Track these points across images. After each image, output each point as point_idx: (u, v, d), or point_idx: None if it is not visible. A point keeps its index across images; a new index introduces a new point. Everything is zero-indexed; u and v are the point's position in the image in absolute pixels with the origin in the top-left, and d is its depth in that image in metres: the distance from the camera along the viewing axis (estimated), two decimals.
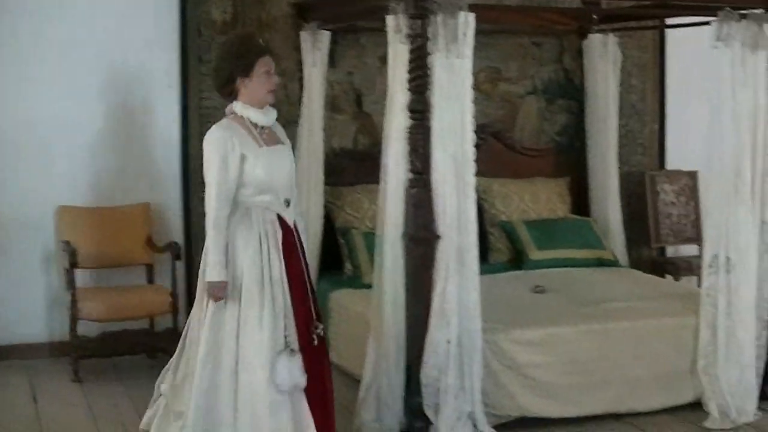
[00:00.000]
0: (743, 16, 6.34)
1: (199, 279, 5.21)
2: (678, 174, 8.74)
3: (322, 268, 7.64)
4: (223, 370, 5.03)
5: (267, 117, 5.18)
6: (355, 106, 8.23)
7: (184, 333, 5.36)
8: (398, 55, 5.87)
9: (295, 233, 5.20)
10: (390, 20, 5.86)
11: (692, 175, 8.55)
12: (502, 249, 7.96)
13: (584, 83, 8.46)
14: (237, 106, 5.15)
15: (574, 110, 8.65)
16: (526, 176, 8.30)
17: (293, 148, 5.47)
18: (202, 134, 5.23)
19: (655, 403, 6.34)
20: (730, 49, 6.31)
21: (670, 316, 6.58)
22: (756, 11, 6.35)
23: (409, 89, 5.78)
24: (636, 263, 8.37)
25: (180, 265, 7.52)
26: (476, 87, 5.70)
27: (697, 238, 8.45)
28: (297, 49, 7.66)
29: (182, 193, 7.86)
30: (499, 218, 8.00)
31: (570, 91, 8.67)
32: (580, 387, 6.21)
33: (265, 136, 5.16)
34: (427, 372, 5.74)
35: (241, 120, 5.14)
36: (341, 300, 7.27)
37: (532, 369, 6.13)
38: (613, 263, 8.00)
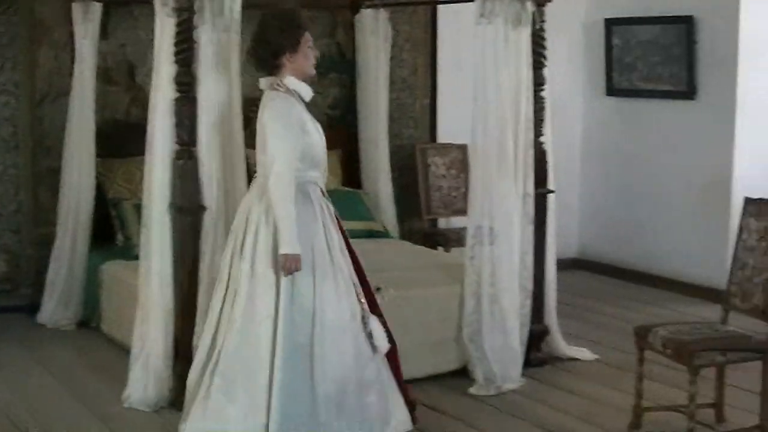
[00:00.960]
0: None
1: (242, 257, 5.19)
2: (448, 147, 8.91)
3: (94, 240, 7.60)
4: (302, 345, 5.09)
5: (310, 91, 5.31)
6: (128, 78, 8.15)
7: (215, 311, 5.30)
8: (165, 28, 5.85)
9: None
10: None
11: (462, 149, 8.72)
12: None
13: (356, 57, 8.54)
14: (290, 81, 5.24)
15: (346, 84, 8.74)
16: None
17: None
18: None
19: (423, 370, 6.44)
20: (494, 26, 6.47)
21: (437, 286, 6.74)
22: None
23: (176, 62, 5.79)
24: (408, 235, 8.54)
25: None
26: (247, 60, 5.71)
27: (466, 210, 8.62)
28: (69, 20, 7.55)
29: None
30: None
31: (342, 66, 8.75)
32: None
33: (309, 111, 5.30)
34: (195, 342, 5.72)
35: (292, 94, 5.22)
36: (113, 271, 7.29)
37: None
38: (383, 234, 8.13)
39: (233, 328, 5.17)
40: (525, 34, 6.58)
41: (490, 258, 6.57)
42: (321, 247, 5.21)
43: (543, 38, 6.73)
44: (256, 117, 5.30)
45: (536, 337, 6.83)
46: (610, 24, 9.44)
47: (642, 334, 5.58)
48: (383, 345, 5.33)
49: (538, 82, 6.75)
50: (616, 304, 8.52)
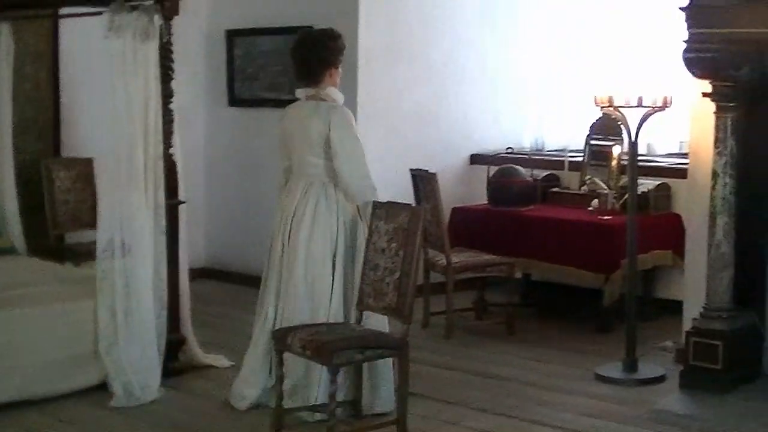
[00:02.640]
0: (134, 8, 6.55)
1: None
2: (74, 161, 8.78)
3: None
4: None
5: None
6: None
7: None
8: None
9: None
10: None
11: (89, 162, 8.61)
12: None
13: None
14: (335, 93, 6.19)
15: None
16: None
17: None
18: None
19: (59, 387, 6.39)
20: (122, 40, 6.50)
21: (68, 301, 6.66)
22: (146, 3, 6.58)
23: None
24: (36, 251, 8.35)
25: None
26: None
27: (95, 224, 8.55)
28: None
29: None
30: None
31: None
32: None
33: None
34: None
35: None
36: None
37: None
38: (9, 251, 7.94)
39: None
40: (153, 48, 6.63)
41: (123, 270, 6.58)
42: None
43: (171, 51, 6.80)
44: None
45: (173, 346, 6.88)
46: (231, 35, 9.62)
47: (280, 338, 5.73)
48: None
49: (167, 95, 6.81)
50: (250, 311, 8.53)
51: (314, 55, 6.13)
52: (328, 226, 6.12)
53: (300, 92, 6.25)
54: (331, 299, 6.10)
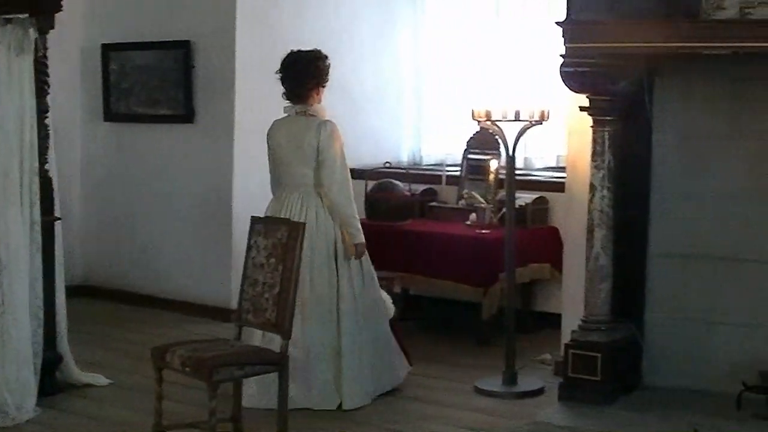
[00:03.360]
0: (8, 21, 6.43)
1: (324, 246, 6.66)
2: None
3: None
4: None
5: None
6: None
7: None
8: None
9: None
10: None
11: None
12: None
13: None
14: (322, 108, 6.81)
15: None
16: None
17: None
18: None
19: None
20: None
21: None
22: (21, 16, 6.45)
23: None
24: None
25: None
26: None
27: None
28: None
29: None
30: None
31: None
32: None
33: None
34: None
35: None
36: None
37: None
38: None
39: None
40: (28, 62, 6.51)
41: None
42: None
43: (46, 65, 6.68)
44: None
45: (50, 365, 6.74)
46: (107, 49, 9.48)
47: (159, 355, 5.65)
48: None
49: (42, 110, 6.69)
50: (128, 329, 8.57)
51: (305, 75, 6.74)
52: (329, 232, 6.70)
53: (289, 108, 6.82)
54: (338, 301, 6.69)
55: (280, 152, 6.80)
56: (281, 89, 6.78)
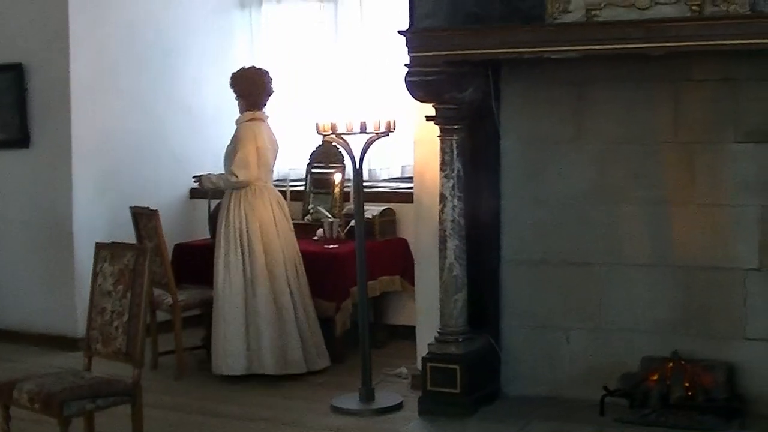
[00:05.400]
0: None
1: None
2: None
3: None
4: None
5: None
6: None
7: None
8: None
9: None
10: None
11: None
12: None
13: None
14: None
15: None
16: None
17: None
18: None
19: None
20: None
21: None
22: None
23: None
24: None
25: None
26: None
27: None
28: None
29: None
30: None
31: None
32: None
33: None
34: None
35: None
36: None
37: None
38: None
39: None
40: None
41: None
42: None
43: None
44: None
45: None
46: None
47: (5, 391, 5.40)
48: None
49: None
50: None
51: (262, 87, 7.70)
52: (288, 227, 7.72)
53: (252, 114, 7.66)
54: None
55: (267, 155, 7.71)
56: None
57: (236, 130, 7.70)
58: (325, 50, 9.27)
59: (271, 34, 9.63)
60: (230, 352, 7.48)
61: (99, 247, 5.76)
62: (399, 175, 8.97)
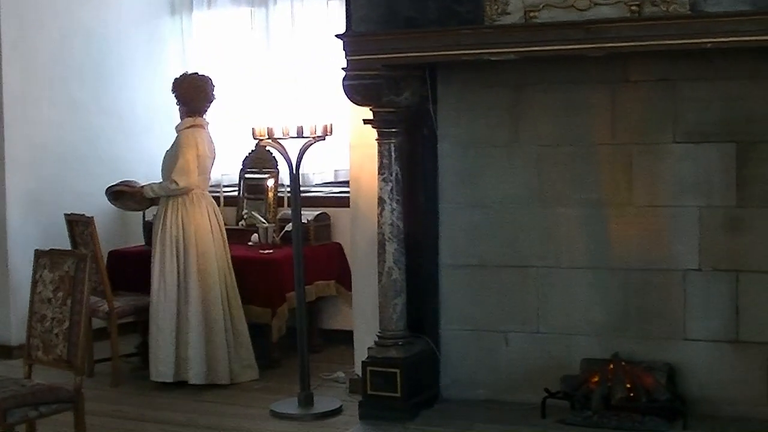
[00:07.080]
0: None
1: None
2: None
3: None
4: None
5: None
6: None
7: None
8: None
9: None
10: None
11: None
12: None
13: None
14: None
15: None
16: None
17: None
18: None
19: None
20: None
21: None
22: None
23: None
24: None
25: None
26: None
27: None
28: None
29: None
30: None
31: None
32: None
33: None
34: None
35: None
36: None
37: None
38: None
39: None
40: None
41: None
42: None
43: None
44: None
45: None
46: None
47: None
48: None
49: None
50: None
51: (204, 94, 7.68)
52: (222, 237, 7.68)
53: (193, 121, 7.64)
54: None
55: (206, 162, 7.70)
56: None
57: (177, 136, 7.65)
58: (258, 56, 9.24)
59: (202, 39, 9.59)
60: (161, 359, 7.44)
61: (38, 254, 5.67)
62: (332, 180, 8.96)
